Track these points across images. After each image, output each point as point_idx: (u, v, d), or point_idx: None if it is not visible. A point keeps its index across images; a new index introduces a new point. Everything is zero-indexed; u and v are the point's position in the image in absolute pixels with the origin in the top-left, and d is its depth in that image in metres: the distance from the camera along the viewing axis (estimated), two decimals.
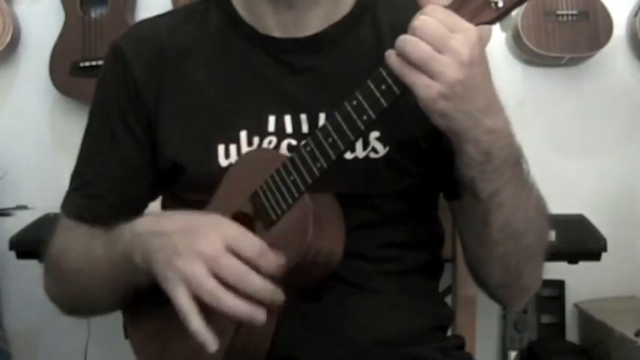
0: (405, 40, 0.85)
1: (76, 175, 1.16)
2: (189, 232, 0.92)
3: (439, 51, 0.84)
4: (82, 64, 2.31)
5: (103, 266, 1.03)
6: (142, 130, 1.09)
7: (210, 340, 0.89)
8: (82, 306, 1.14)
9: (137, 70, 1.09)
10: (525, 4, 2.27)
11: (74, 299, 1.13)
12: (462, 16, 0.86)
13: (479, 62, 0.86)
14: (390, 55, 0.86)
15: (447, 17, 0.85)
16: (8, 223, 2.27)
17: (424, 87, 0.85)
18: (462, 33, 0.84)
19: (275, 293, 0.89)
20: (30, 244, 2.03)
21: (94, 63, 2.29)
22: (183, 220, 0.95)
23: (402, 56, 0.85)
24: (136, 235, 0.97)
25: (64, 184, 1.17)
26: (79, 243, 1.09)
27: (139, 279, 0.98)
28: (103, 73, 1.14)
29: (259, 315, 0.89)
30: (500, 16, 0.86)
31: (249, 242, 0.90)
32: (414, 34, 0.85)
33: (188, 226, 0.93)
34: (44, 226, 2.01)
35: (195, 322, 0.89)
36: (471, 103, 0.87)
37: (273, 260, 0.89)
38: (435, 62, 0.84)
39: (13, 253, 2.10)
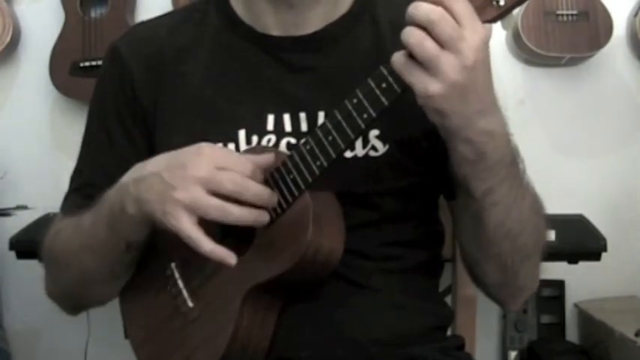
0: (410, 34, 0.84)
1: (76, 176, 1.16)
2: (175, 166, 0.93)
3: (446, 48, 0.83)
4: (82, 64, 2.31)
5: (92, 231, 1.03)
6: (140, 131, 1.10)
7: (227, 254, 0.92)
8: (80, 293, 1.13)
9: (135, 72, 1.09)
10: (526, 4, 2.28)
11: (71, 284, 1.11)
12: None
13: (482, 66, 0.85)
14: (396, 54, 0.86)
15: (466, 12, 0.83)
16: (8, 223, 2.27)
17: (422, 84, 0.84)
18: (472, 33, 0.83)
19: (272, 195, 0.94)
20: (30, 244, 2.02)
21: (94, 63, 2.29)
22: (165, 158, 0.97)
23: (407, 48, 0.84)
24: (122, 187, 0.98)
25: (64, 184, 1.17)
26: (69, 224, 1.09)
27: (132, 231, 0.99)
28: (102, 73, 1.15)
29: (265, 216, 0.94)
30: (502, 14, 0.86)
31: (236, 160, 0.93)
32: (426, 25, 0.83)
33: (172, 161, 0.94)
34: (44, 226, 1.99)
35: (207, 244, 0.91)
36: (467, 105, 0.86)
37: (261, 175, 0.93)
38: (438, 61, 0.83)
39: (13, 253, 2.10)
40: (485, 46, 0.85)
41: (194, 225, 0.91)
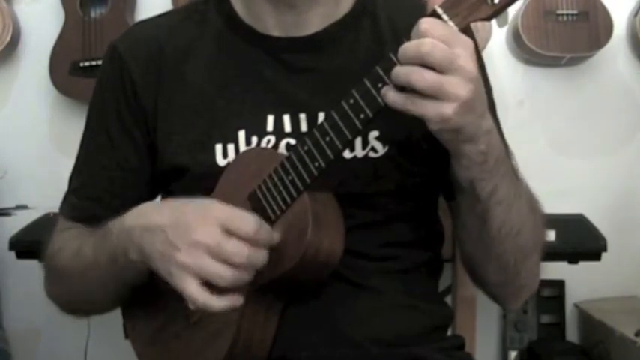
0: (408, 72, 0.84)
1: (75, 176, 1.16)
2: (181, 224, 0.92)
3: (446, 72, 0.83)
4: (82, 64, 2.31)
5: (93, 265, 1.03)
6: (140, 131, 1.09)
7: (236, 300, 0.92)
8: (80, 305, 1.14)
9: (135, 72, 1.09)
10: (525, 4, 2.29)
11: (72, 298, 1.13)
12: (460, 12, 0.86)
13: (478, 73, 0.86)
14: (388, 93, 0.86)
15: (446, 32, 0.84)
16: (8, 223, 2.27)
17: (436, 113, 0.84)
18: (462, 47, 0.84)
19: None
20: (30, 244, 2.03)
21: (93, 63, 2.28)
22: (172, 211, 0.95)
23: (408, 86, 0.84)
24: (125, 230, 0.98)
25: (64, 184, 1.17)
26: (72, 243, 1.09)
27: (134, 274, 1.00)
28: (101, 73, 1.14)
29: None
30: (497, 12, 0.86)
31: (243, 221, 0.91)
32: (420, 59, 0.83)
33: (179, 218, 0.93)
34: (44, 226, 2.01)
35: (216, 304, 0.91)
36: (475, 113, 0.87)
37: (268, 233, 0.92)
38: (446, 85, 0.84)
39: (13, 253, 2.10)
40: (474, 53, 0.86)
41: (199, 288, 0.90)
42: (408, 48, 0.84)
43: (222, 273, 0.89)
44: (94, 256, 1.03)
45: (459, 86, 0.84)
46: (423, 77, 0.83)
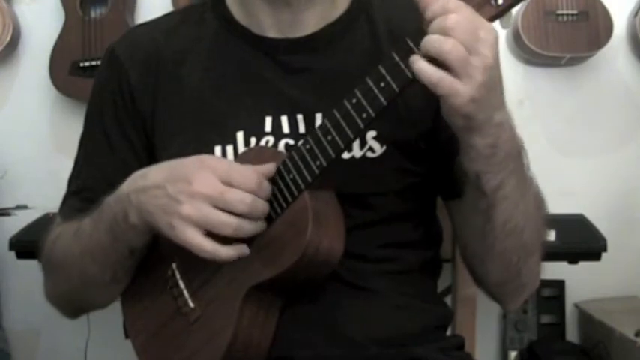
0: (444, 41, 0.82)
1: (74, 178, 1.16)
2: (179, 178, 0.93)
3: (470, 53, 0.83)
4: (82, 64, 2.31)
5: (93, 238, 1.03)
6: (138, 134, 1.10)
7: (242, 249, 0.94)
8: (80, 296, 1.13)
9: (133, 75, 1.09)
10: (525, 4, 2.29)
11: (71, 289, 1.12)
12: None
13: (497, 62, 0.86)
14: (417, 62, 0.84)
15: (473, 16, 0.84)
16: (8, 223, 2.27)
17: (454, 90, 0.83)
18: (485, 33, 0.84)
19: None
20: (30, 244, 2.02)
21: (94, 63, 2.28)
22: (166, 169, 0.96)
23: (438, 55, 0.83)
24: (124, 195, 0.98)
25: (64, 184, 1.17)
26: (68, 229, 1.09)
27: (137, 238, 1.00)
28: (99, 76, 1.15)
29: (264, 223, 0.95)
30: (500, 13, 0.86)
31: (243, 174, 0.93)
32: (448, 33, 0.82)
33: (176, 174, 0.94)
34: (44, 226, 2.00)
35: (224, 252, 0.93)
36: (489, 102, 0.87)
37: (268, 187, 0.94)
38: (468, 64, 0.83)
39: (13, 253, 2.10)
40: (496, 42, 0.85)
41: (203, 236, 0.92)
42: (435, 23, 0.83)
43: (226, 221, 0.91)
44: (93, 228, 1.03)
45: (477, 70, 0.83)
46: (455, 48, 0.82)
